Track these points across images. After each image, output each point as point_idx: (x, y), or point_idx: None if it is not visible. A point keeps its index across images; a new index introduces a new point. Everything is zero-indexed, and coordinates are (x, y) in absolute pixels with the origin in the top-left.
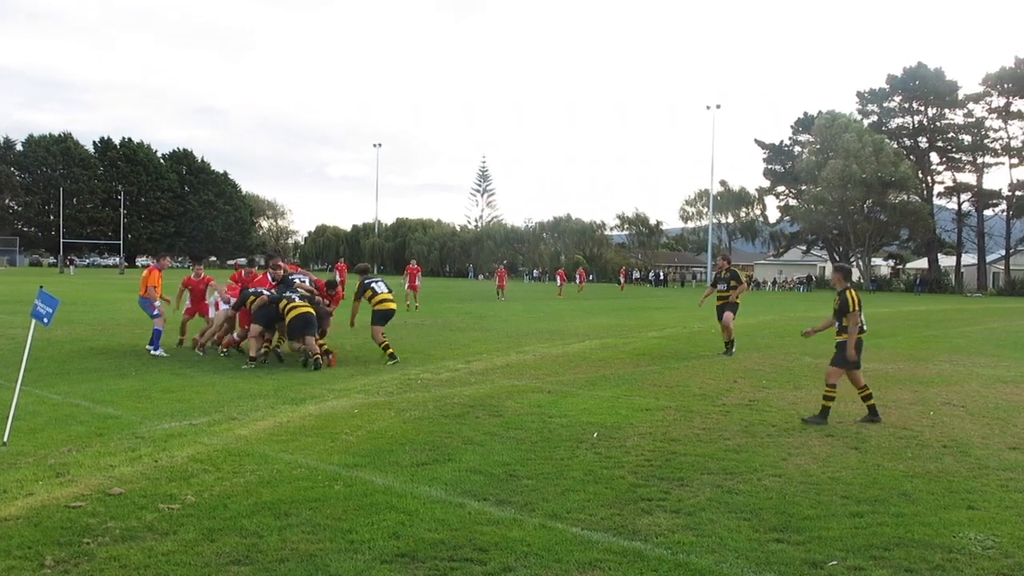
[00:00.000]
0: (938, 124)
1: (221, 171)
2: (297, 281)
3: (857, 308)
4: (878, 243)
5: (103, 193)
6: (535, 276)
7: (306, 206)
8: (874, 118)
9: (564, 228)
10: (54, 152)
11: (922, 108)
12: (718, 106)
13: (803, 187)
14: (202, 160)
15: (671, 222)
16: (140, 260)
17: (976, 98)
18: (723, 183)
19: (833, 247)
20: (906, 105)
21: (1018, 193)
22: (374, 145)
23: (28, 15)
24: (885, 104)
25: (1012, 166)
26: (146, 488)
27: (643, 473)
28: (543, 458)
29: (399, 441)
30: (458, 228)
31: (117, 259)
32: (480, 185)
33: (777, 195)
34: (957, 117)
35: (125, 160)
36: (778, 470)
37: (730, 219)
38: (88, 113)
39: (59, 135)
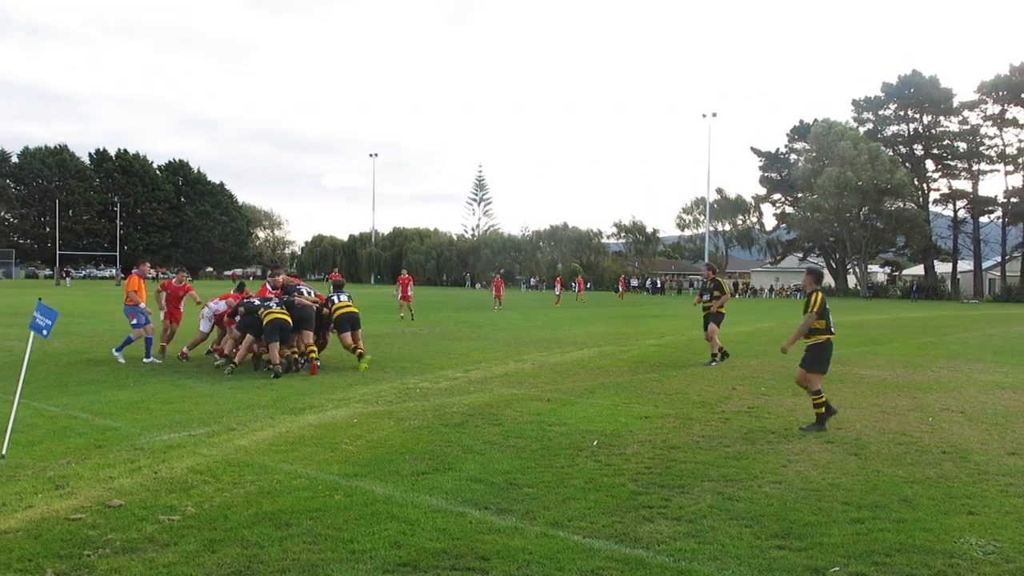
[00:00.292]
0: (933, 131)
1: (217, 182)
2: (304, 291)
3: (814, 311)
4: (874, 250)
5: (99, 204)
6: (532, 285)
7: (303, 216)
8: (869, 126)
9: (561, 236)
10: (50, 164)
11: (917, 116)
12: (714, 114)
13: (799, 195)
14: (198, 171)
15: (668, 230)
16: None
17: (971, 106)
18: (720, 191)
19: (830, 254)
20: (901, 113)
21: (1013, 200)
22: (370, 155)
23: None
24: (880, 112)
25: (1007, 173)
26: (146, 499)
27: (643, 481)
28: (543, 466)
29: (399, 450)
30: (455, 237)
31: (113, 271)
32: (477, 194)
33: (773, 203)
34: (952, 124)
35: (121, 171)
36: (778, 477)
37: (727, 227)
38: (84, 125)
39: (55, 147)
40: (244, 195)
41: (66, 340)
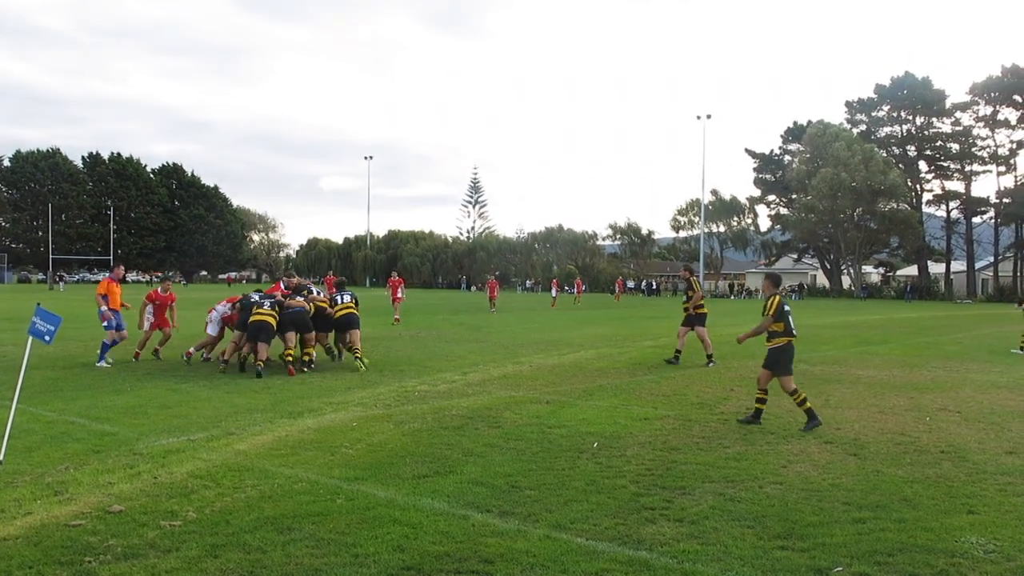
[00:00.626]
0: (926, 133)
1: (212, 185)
2: (314, 292)
3: (770, 314)
4: (868, 251)
5: (92, 208)
6: (528, 287)
7: (297, 219)
8: (863, 127)
9: (556, 238)
10: (42, 168)
11: (910, 117)
12: (708, 116)
13: (793, 196)
14: (192, 174)
15: (663, 231)
16: (131, 276)
17: (964, 107)
18: (714, 192)
19: (824, 255)
20: (894, 114)
21: (1006, 200)
22: (365, 158)
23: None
24: (874, 113)
25: (999, 174)
26: (146, 505)
27: (645, 482)
28: (544, 469)
29: (399, 454)
30: (450, 240)
31: (107, 275)
32: (472, 196)
33: (768, 204)
34: (945, 126)
35: (114, 175)
36: (779, 477)
37: (721, 228)
38: (76, 128)
39: (47, 150)
40: (239, 198)
41: (60, 345)
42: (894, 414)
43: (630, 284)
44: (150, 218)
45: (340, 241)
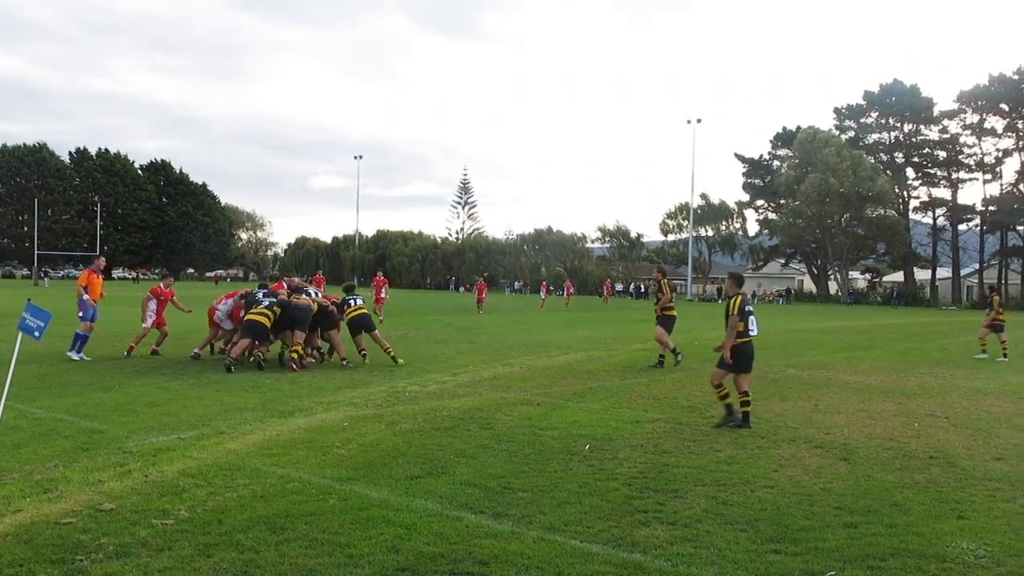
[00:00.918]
0: (914, 140)
1: (200, 182)
2: (312, 292)
3: (735, 313)
4: (855, 257)
5: (79, 204)
6: (516, 288)
7: (286, 218)
8: (851, 133)
9: (545, 241)
10: (28, 162)
11: (898, 124)
12: (699, 120)
13: (782, 201)
14: (180, 171)
15: (652, 235)
16: (117, 272)
17: (951, 115)
18: (704, 196)
19: (811, 260)
20: (883, 121)
21: (991, 208)
22: (355, 157)
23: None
24: (862, 120)
25: (985, 182)
26: (137, 503)
27: (637, 485)
28: (537, 471)
29: (391, 454)
30: (439, 240)
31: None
32: (461, 198)
33: (756, 209)
34: (932, 133)
35: (102, 171)
36: (770, 481)
37: (710, 232)
38: (65, 123)
39: (34, 145)
40: (227, 196)
41: (46, 341)
42: (883, 419)
43: (618, 287)
44: (137, 215)
45: (328, 240)
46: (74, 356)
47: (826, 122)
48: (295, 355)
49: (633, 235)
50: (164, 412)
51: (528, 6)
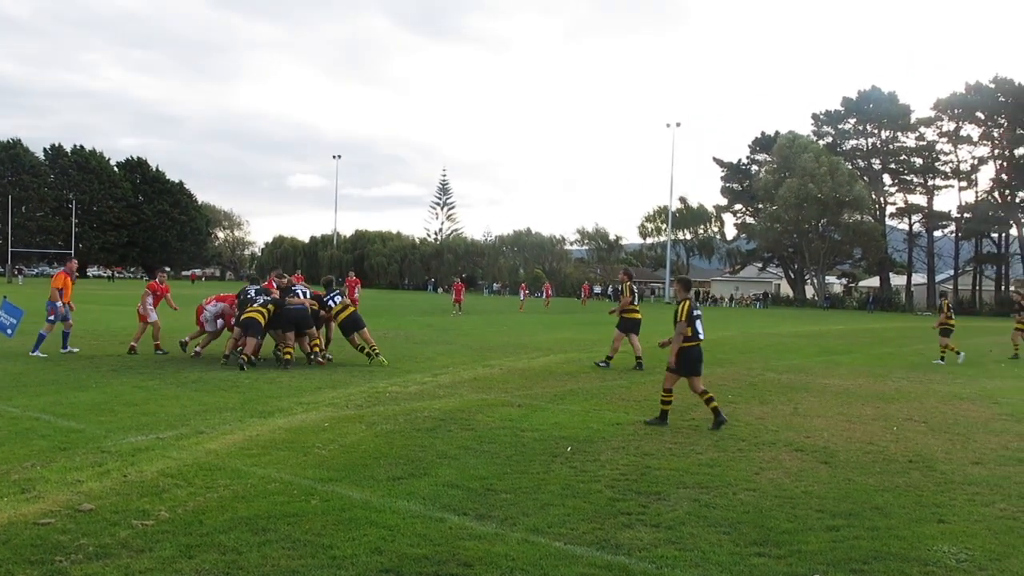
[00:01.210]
0: (891, 147)
1: (177, 181)
2: (299, 291)
3: (683, 319)
4: (832, 261)
5: (54, 201)
6: (495, 290)
7: (264, 217)
8: (829, 139)
9: (524, 242)
10: (2, 159)
11: (876, 131)
12: (678, 124)
13: (760, 205)
14: (157, 169)
15: (630, 237)
16: (91, 271)
17: (928, 122)
18: (682, 200)
19: (788, 265)
20: (860, 127)
21: (966, 215)
22: (333, 156)
23: None
24: (840, 126)
25: (961, 189)
26: (117, 504)
27: (620, 487)
28: (519, 472)
29: (373, 455)
30: (418, 241)
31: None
32: (440, 198)
33: (734, 213)
34: (909, 140)
35: (77, 168)
36: (752, 484)
37: (688, 236)
38: (38, 119)
39: (7, 141)
40: (204, 194)
41: (21, 339)
42: (862, 423)
43: (596, 289)
44: (113, 212)
45: (306, 240)
46: (38, 354)
47: (804, 127)
48: (316, 349)
49: (612, 238)
50: (142, 411)
51: (509, 8)
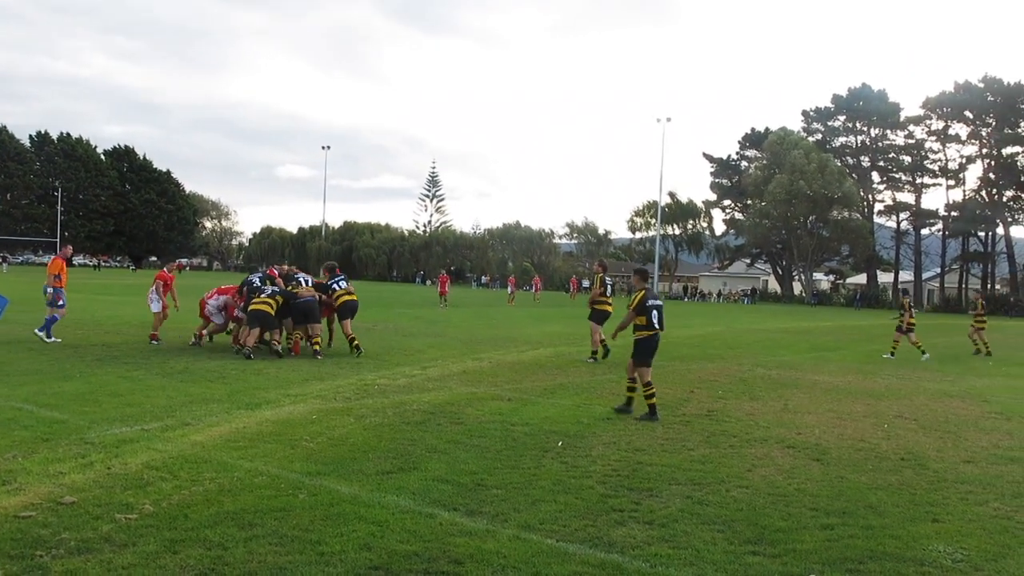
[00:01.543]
0: (880, 144)
1: (164, 169)
2: (302, 279)
3: (633, 307)
4: (820, 258)
5: (39, 189)
6: (483, 282)
7: (252, 207)
8: (818, 136)
9: (513, 235)
10: None
11: (865, 128)
12: (668, 119)
13: (749, 201)
14: (144, 158)
15: (619, 232)
16: (77, 259)
17: (917, 120)
18: (672, 195)
19: (776, 261)
20: (850, 125)
21: (954, 214)
22: (323, 147)
23: None
24: (829, 123)
25: (948, 187)
26: (100, 497)
27: (612, 483)
28: (510, 467)
29: (361, 448)
30: (407, 233)
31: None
32: (429, 190)
33: (723, 208)
34: (898, 138)
35: (63, 155)
36: (744, 481)
37: (677, 231)
38: (24, 106)
39: None
40: (192, 184)
41: (5, 327)
42: (853, 420)
43: (585, 283)
44: (99, 201)
45: (294, 231)
46: (50, 339)
47: (794, 124)
48: (317, 346)
49: (601, 232)
50: (127, 402)
51: (500, 2)
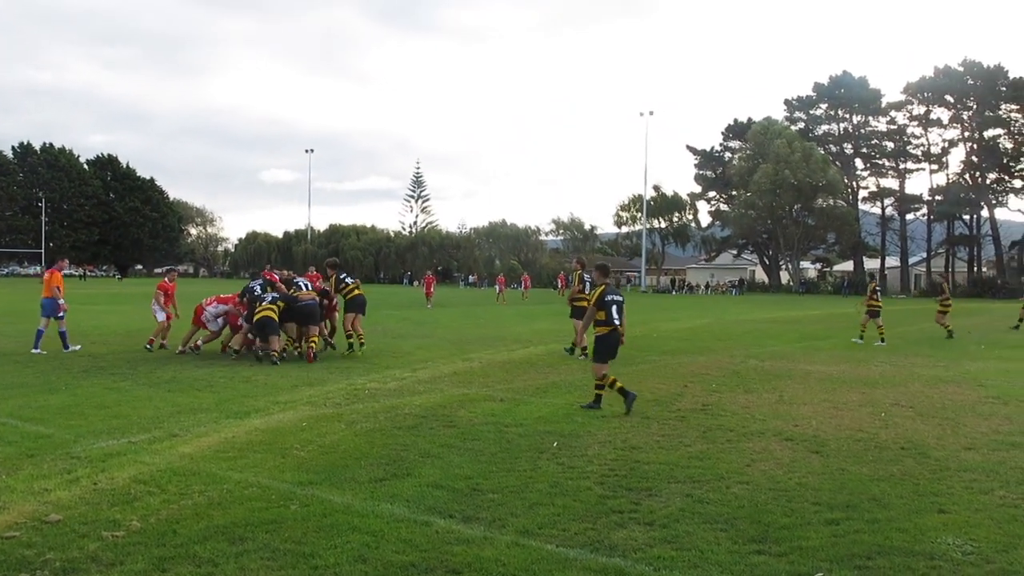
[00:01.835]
0: (863, 131)
1: (148, 177)
2: (302, 284)
3: (592, 302)
4: (806, 247)
5: (23, 200)
6: (470, 282)
7: (237, 213)
8: (801, 125)
9: (499, 234)
10: None
11: (847, 115)
12: (651, 112)
13: (734, 192)
14: (128, 166)
15: (606, 227)
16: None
17: (898, 106)
18: (657, 188)
19: (763, 251)
20: (832, 112)
21: (938, 198)
22: (306, 151)
23: None
24: (812, 111)
25: (932, 172)
26: (86, 514)
27: (610, 483)
28: (505, 470)
29: (353, 455)
30: (393, 234)
31: (38, 268)
32: (414, 191)
33: (708, 200)
34: (880, 124)
35: (46, 166)
36: (744, 477)
37: (663, 224)
38: (5, 117)
39: None
40: (176, 191)
41: None
42: (849, 410)
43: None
44: (83, 210)
45: (280, 235)
46: (73, 348)
47: (777, 114)
48: (313, 346)
49: (587, 227)
50: (114, 414)
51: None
